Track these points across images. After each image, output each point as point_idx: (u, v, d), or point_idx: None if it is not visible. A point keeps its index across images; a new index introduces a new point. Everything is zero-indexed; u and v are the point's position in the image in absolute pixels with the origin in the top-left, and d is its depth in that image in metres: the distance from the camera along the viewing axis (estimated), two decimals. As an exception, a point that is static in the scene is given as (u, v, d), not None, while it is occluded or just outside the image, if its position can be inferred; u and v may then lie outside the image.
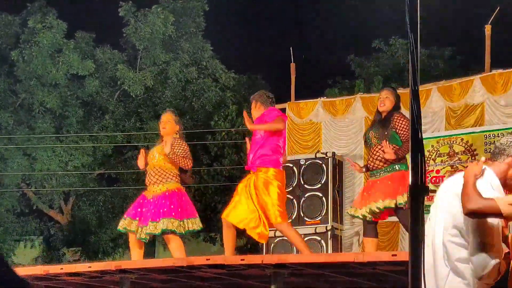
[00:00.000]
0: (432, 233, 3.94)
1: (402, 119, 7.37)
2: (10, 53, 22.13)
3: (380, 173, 7.37)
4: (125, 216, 7.82)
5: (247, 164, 7.46)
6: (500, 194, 3.95)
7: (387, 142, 7.25)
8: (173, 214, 7.53)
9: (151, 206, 7.60)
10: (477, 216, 3.82)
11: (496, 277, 3.86)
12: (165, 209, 7.54)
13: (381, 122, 7.44)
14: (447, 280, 3.89)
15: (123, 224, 7.74)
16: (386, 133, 7.31)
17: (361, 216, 7.33)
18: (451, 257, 3.90)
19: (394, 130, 7.31)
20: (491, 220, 3.81)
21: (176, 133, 7.90)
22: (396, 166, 7.29)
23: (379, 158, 7.36)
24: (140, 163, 7.78)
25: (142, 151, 7.88)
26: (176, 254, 7.52)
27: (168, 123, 7.85)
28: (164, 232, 7.49)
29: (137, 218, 7.67)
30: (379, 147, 7.35)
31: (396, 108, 7.53)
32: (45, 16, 22.23)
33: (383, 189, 7.18)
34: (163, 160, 7.70)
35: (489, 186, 3.93)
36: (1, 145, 22.15)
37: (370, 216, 7.26)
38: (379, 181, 7.29)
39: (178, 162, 7.67)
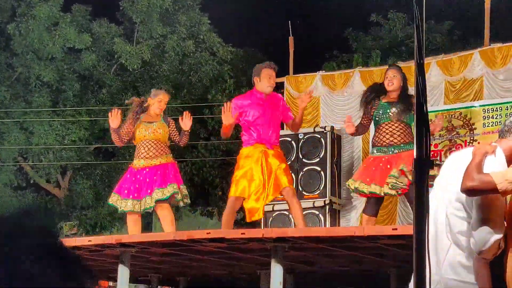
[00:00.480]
0: (435, 205, 3.95)
1: None
2: (6, 26, 22.01)
3: (394, 149, 7.36)
4: (116, 192, 7.87)
5: (259, 139, 7.33)
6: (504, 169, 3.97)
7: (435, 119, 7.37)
8: (165, 183, 7.73)
9: (153, 175, 7.70)
10: (474, 194, 3.84)
11: (495, 252, 3.89)
12: (171, 176, 7.78)
13: (403, 102, 7.41)
14: (448, 252, 3.92)
15: (114, 201, 7.84)
16: (410, 112, 7.30)
17: (382, 194, 7.30)
18: (453, 229, 3.93)
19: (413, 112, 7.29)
20: (494, 196, 3.83)
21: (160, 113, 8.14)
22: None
23: (398, 134, 7.37)
24: (114, 123, 7.83)
25: (116, 110, 7.95)
26: (167, 223, 7.68)
27: (165, 104, 8.18)
28: (169, 197, 7.67)
29: (131, 196, 7.75)
30: (398, 124, 7.36)
31: (404, 87, 7.54)
32: (41, -11, 22.09)
33: (409, 162, 7.15)
34: (165, 135, 7.96)
35: (497, 163, 3.95)
36: (-2, 119, 22.11)
37: (394, 192, 7.24)
38: (397, 156, 7.27)
39: (183, 141, 8.08)
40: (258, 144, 7.29)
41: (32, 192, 23.62)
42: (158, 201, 7.71)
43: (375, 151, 7.52)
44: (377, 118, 7.55)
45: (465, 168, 3.87)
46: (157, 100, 8.06)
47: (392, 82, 7.50)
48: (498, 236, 3.83)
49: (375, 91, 7.69)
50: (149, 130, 7.90)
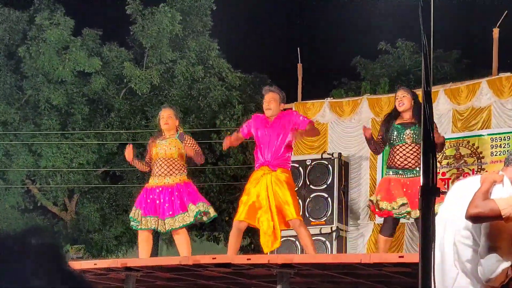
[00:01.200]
0: (441, 233, 3.94)
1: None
2: (17, 49, 22.18)
3: (409, 173, 7.36)
4: (138, 207, 7.84)
5: (263, 160, 7.33)
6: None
7: None
8: (187, 204, 7.69)
9: (169, 196, 7.68)
10: (478, 220, 3.84)
11: (503, 280, 3.87)
12: (184, 199, 7.75)
13: (417, 124, 7.40)
14: (456, 280, 3.90)
15: (136, 215, 7.78)
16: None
17: (407, 215, 7.32)
18: (461, 257, 3.91)
19: None
20: (502, 223, 3.82)
21: (177, 128, 8.03)
22: None
23: (412, 157, 7.37)
24: (129, 156, 7.86)
25: (129, 145, 7.97)
26: (184, 248, 7.61)
27: (170, 118, 8.02)
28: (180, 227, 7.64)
29: (151, 214, 7.72)
30: (413, 146, 7.37)
31: (417, 107, 7.52)
32: (53, 13, 22.28)
33: None
34: (177, 152, 7.88)
35: (504, 191, 3.95)
36: (7, 141, 22.19)
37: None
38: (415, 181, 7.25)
39: (198, 158, 8.00)
40: (263, 167, 7.28)
41: (39, 214, 23.64)
42: (178, 228, 7.67)
43: (390, 173, 7.50)
44: (391, 141, 7.55)
45: (472, 195, 3.87)
46: (160, 118, 8.06)
47: (402, 102, 7.52)
48: (507, 264, 3.81)
49: (392, 116, 7.71)
50: (161, 147, 7.86)
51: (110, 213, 23.04)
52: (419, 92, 10.64)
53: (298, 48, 12.49)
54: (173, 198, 7.71)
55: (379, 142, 7.77)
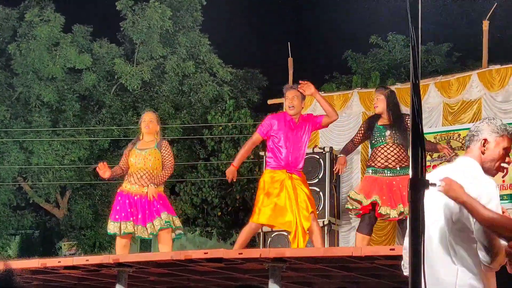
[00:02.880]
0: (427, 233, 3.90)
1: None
2: (7, 46, 22.12)
3: (389, 172, 7.39)
4: (116, 220, 7.74)
5: (286, 163, 7.18)
6: (486, 177, 3.99)
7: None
8: (161, 211, 7.62)
9: (149, 202, 7.62)
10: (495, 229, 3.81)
11: (502, 262, 3.86)
12: (159, 207, 7.64)
13: (397, 124, 7.42)
14: (457, 277, 3.85)
15: (115, 228, 7.70)
16: (404, 135, 7.33)
17: (391, 216, 7.35)
18: (459, 252, 3.86)
19: (407, 132, 7.34)
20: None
21: (157, 133, 7.92)
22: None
23: (394, 159, 7.41)
24: (105, 174, 7.73)
25: (102, 164, 7.81)
26: (166, 248, 7.60)
27: (151, 122, 7.88)
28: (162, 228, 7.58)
29: (131, 219, 7.67)
30: (395, 147, 7.38)
31: (393, 108, 7.53)
32: (43, 9, 22.22)
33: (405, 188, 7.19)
34: (155, 164, 7.73)
35: (476, 176, 3.94)
36: (-2, 138, 22.14)
37: (400, 216, 7.28)
38: (400, 183, 7.28)
39: (165, 172, 7.75)
40: (283, 169, 7.17)
41: (31, 212, 23.60)
42: (162, 229, 7.62)
43: (370, 172, 7.56)
44: (373, 141, 7.59)
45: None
46: (141, 121, 7.94)
47: (376, 105, 7.57)
48: (504, 243, 3.80)
49: (374, 117, 7.74)
50: (140, 158, 7.73)
51: (102, 210, 23.00)
52: (406, 86, 10.67)
53: (289, 43, 12.49)
54: (151, 206, 7.64)
55: (355, 141, 7.83)
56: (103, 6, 24.10)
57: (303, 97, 7.36)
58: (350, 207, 7.58)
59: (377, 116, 7.66)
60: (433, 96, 10.96)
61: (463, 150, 10.63)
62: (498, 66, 10.61)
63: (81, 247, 22.84)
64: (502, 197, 10.21)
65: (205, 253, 6.65)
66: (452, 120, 10.79)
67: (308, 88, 7.22)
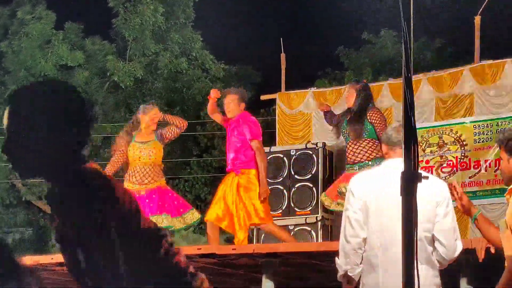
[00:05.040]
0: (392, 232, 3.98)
1: (376, 113, 7.49)
2: (-1, 44, 22.07)
3: (359, 167, 7.44)
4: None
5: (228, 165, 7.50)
6: None
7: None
8: (169, 211, 7.55)
9: (147, 200, 7.55)
10: None
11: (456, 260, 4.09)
12: (163, 204, 7.58)
13: (354, 118, 7.52)
14: (423, 276, 3.92)
15: None
16: (361, 128, 7.42)
17: (336, 209, 7.43)
18: (427, 251, 3.97)
19: (372, 125, 7.42)
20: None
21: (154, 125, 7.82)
22: (379, 161, 7.39)
23: (359, 152, 7.49)
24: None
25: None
26: None
27: (156, 117, 7.81)
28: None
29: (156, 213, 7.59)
30: (355, 142, 7.46)
31: (364, 100, 7.58)
32: (34, 7, 22.16)
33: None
34: (159, 157, 7.67)
35: None
36: (-10, 136, 22.09)
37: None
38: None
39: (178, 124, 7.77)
40: (229, 172, 7.43)
41: (24, 209, 23.55)
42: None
43: (346, 168, 7.79)
44: (344, 137, 7.75)
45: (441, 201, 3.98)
46: (149, 116, 7.78)
47: (347, 100, 7.68)
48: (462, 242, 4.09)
49: (345, 112, 7.84)
50: (144, 152, 7.62)
51: (95, 207, 22.99)
52: (398, 81, 10.69)
53: (281, 38, 12.48)
54: (157, 200, 7.55)
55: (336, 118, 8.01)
56: (95, 3, 24.03)
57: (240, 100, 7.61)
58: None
59: (347, 112, 7.76)
60: (425, 91, 10.97)
61: (455, 145, 10.66)
62: (490, 61, 10.64)
63: (74, 244, 22.80)
64: (494, 191, 10.24)
65: (198, 249, 6.67)
66: (444, 115, 10.81)
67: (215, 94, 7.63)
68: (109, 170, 7.73)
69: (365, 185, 4.19)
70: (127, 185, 7.58)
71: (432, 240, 4.05)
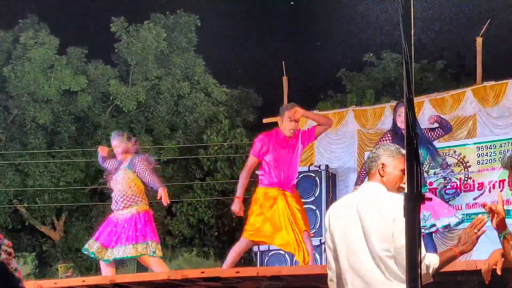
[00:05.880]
0: (354, 256, 4.03)
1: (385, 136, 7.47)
2: (2, 69, 22.13)
3: None
4: (96, 239, 7.66)
5: (279, 181, 7.15)
6: None
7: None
8: (146, 237, 7.48)
9: (123, 228, 7.51)
10: None
11: None
12: (137, 233, 7.46)
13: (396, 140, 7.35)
14: None
15: (92, 247, 7.60)
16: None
17: None
18: (392, 268, 3.97)
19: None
20: None
21: (128, 152, 7.73)
22: None
23: None
24: (104, 151, 7.71)
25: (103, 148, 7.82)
26: (158, 269, 7.50)
27: (116, 147, 7.80)
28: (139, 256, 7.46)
29: (111, 246, 7.54)
30: None
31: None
32: (37, 32, 22.27)
33: None
34: (128, 184, 7.59)
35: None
36: (-7, 161, 22.11)
37: None
38: None
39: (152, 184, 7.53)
40: (276, 187, 7.14)
41: (27, 234, 23.51)
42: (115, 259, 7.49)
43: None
44: None
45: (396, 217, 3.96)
46: (113, 147, 7.81)
47: (403, 119, 7.45)
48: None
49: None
50: (113, 181, 7.67)
51: (98, 231, 22.93)
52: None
53: (283, 62, 12.53)
54: (128, 226, 7.47)
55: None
56: (98, 28, 24.18)
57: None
58: None
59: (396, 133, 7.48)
60: (428, 113, 10.98)
61: (458, 166, 10.65)
62: (492, 82, 10.66)
63: (77, 269, 22.74)
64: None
65: (202, 272, 6.63)
66: (447, 136, 10.81)
67: (297, 113, 7.21)
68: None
69: (331, 213, 4.25)
70: (113, 213, 7.67)
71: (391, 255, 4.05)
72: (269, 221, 7.07)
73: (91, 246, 7.60)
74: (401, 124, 7.21)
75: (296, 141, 7.29)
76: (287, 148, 7.22)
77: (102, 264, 7.73)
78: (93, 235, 7.76)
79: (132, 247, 7.42)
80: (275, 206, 7.09)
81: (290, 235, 7.03)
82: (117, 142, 7.80)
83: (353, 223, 4.03)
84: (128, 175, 7.62)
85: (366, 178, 4.24)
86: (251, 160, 7.27)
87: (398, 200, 3.93)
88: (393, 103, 11.60)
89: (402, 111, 7.23)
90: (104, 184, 23.14)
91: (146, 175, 7.54)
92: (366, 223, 3.97)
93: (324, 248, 10.49)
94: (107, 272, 7.65)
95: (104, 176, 7.92)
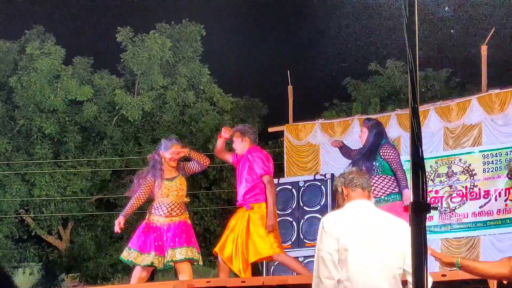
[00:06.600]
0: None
1: (388, 149, 7.48)
2: (8, 79, 22.20)
3: (378, 202, 7.38)
4: (133, 247, 7.57)
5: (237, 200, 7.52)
6: None
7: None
8: (190, 243, 7.47)
9: (174, 230, 7.46)
10: None
11: None
12: (184, 237, 7.45)
13: (366, 155, 7.52)
14: None
15: (133, 257, 7.51)
16: (371, 164, 7.42)
17: None
18: (398, 281, 4.10)
19: (385, 161, 7.41)
20: None
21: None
22: (394, 196, 7.35)
23: (379, 187, 7.44)
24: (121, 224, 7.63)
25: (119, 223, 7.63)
26: (186, 277, 7.47)
27: (177, 155, 7.66)
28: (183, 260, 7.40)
29: (153, 251, 7.46)
30: (375, 177, 7.40)
31: (376, 137, 7.58)
32: (43, 42, 22.34)
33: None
34: (184, 190, 7.62)
35: None
36: (0, 171, 22.14)
37: None
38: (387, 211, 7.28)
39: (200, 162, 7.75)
40: (239, 208, 7.49)
41: (34, 244, 23.52)
42: (178, 261, 7.43)
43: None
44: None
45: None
46: (170, 153, 7.58)
47: (361, 138, 7.71)
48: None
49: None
50: (172, 189, 7.51)
51: (105, 241, 22.94)
52: (406, 112, 10.70)
53: (288, 71, 12.54)
54: (177, 232, 7.41)
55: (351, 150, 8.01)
56: (104, 38, 24.26)
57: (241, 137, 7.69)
58: None
59: (362, 149, 7.75)
60: (433, 121, 10.99)
61: (464, 174, 10.64)
62: (497, 90, 10.66)
63: (83, 278, 22.74)
64: (505, 221, 10.19)
65: (207, 282, 6.64)
66: (453, 144, 10.81)
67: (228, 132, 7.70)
68: (135, 205, 7.63)
69: (339, 225, 4.25)
70: (152, 218, 7.53)
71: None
72: (226, 238, 7.44)
73: (143, 258, 7.48)
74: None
75: (244, 159, 7.59)
76: (238, 166, 7.66)
77: (137, 273, 7.60)
78: (133, 244, 7.58)
79: (185, 249, 7.39)
80: (236, 223, 7.44)
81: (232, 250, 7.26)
82: (178, 149, 7.67)
83: (366, 238, 4.21)
84: (184, 182, 7.63)
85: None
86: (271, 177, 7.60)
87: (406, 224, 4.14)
88: (399, 111, 11.62)
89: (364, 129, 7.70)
90: (109, 194, 23.19)
91: (194, 166, 7.75)
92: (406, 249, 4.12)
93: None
94: (137, 279, 7.58)
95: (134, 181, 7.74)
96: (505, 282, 4.19)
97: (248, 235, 7.25)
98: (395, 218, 4.38)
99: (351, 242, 4.17)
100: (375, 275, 4.06)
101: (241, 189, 7.48)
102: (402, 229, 4.20)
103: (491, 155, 10.49)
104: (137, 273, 7.56)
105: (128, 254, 7.50)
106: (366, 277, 4.06)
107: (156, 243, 7.42)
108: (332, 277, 4.16)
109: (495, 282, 4.68)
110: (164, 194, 7.49)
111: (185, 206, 7.66)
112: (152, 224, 7.52)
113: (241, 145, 7.61)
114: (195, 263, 7.54)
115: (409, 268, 4.10)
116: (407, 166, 7.48)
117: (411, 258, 2.86)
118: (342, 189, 4.46)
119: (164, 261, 7.39)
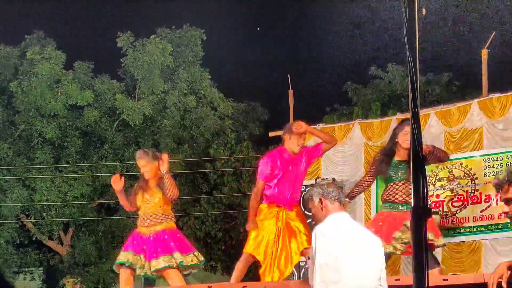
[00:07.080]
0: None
1: None
2: (8, 84, 22.21)
3: (409, 207, 7.18)
4: (127, 249, 7.59)
5: (279, 199, 7.18)
6: None
7: None
8: (174, 250, 7.43)
9: (151, 243, 7.45)
10: None
11: None
12: (165, 246, 7.40)
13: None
14: None
15: (126, 257, 7.53)
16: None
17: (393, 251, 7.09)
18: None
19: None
20: None
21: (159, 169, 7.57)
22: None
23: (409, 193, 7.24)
24: (116, 185, 7.60)
25: (116, 175, 7.69)
26: (175, 283, 7.44)
27: (144, 167, 7.60)
28: (164, 268, 7.37)
29: (142, 254, 7.49)
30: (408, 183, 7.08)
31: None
32: (44, 47, 22.36)
33: None
34: (158, 203, 7.52)
35: None
36: (0, 176, 22.13)
37: (399, 252, 7.05)
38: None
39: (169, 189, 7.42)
40: (276, 205, 7.16)
41: (34, 249, 23.51)
42: (157, 270, 7.34)
43: (388, 207, 7.15)
44: (393, 176, 7.13)
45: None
46: (139, 164, 7.63)
47: (409, 139, 7.25)
48: None
49: (390, 153, 7.25)
50: (144, 199, 7.57)
51: (106, 246, 22.92)
52: (407, 116, 10.68)
53: (289, 75, 12.55)
54: (163, 242, 7.40)
55: (365, 185, 7.54)
56: (104, 43, 24.28)
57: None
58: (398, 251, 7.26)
59: (392, 151, 7.26)
60: (434, 126, 10.98)
61: (465, 179, 10.62)
62: (498, 94, 10.65)
63: (84, 284, 22.71)
64: (506, 225, 10.17)
65: (209, 287, 6.62)
66: (454, 148, 10.80)
67: (301, 127, 7.19)
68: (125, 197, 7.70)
69: (331, 235, 4.65)
70: (139, 229, 7.56)
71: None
72: (261, 236, 7.13)
73: (125, 258, 7.50)
74: (405, 144, 7.01)
75: (300, 158, 7.27)
76: (292, 166, 7.22)
77: (125, 278, 7.59)
78: (126, 247, 7.62)
79: (168, 257, 7.35)
80: (267, 222, 7.12)
81: (269, 249, 7.06)
82: (144, 162, 7.60)
83: (355, 250, 4.73)
84: (158, 195, 7.51)
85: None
86: (259, 184, 7.26)
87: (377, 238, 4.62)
88: (400, 115, 11.60)
89: (406, 129, 6.97)
90: (109, 199, 23.16)
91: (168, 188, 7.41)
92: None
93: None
94: (124, 281, 7.55)
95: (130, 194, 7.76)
96: (504, 286, 4.17)
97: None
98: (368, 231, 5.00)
99: (342, 251, 4.54)
100: (365, 279, 4.58)
101: (297, 189, 7.30)
102: (378, 241, 4.79)
103: (492, 159, 10.48)
104: (122, 275, 7.57)
105: (125, 257, 7.52)
106: (357, 282, 4.55)
107: (143, 247, 7.46)
108: (335, 282, 4.43)
109: (495, 286, 4.66)
110: (139, 204, 7.57)
111: (165, 215, 7.53)
112: (138, 234, 7.59)
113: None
114: (195, 270, 7.48)
115: (383, 282, 4.52)
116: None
117: (412, 258, 2.86)
118: (320, 199, 4.79)
119: (146, 270, 7.37)
